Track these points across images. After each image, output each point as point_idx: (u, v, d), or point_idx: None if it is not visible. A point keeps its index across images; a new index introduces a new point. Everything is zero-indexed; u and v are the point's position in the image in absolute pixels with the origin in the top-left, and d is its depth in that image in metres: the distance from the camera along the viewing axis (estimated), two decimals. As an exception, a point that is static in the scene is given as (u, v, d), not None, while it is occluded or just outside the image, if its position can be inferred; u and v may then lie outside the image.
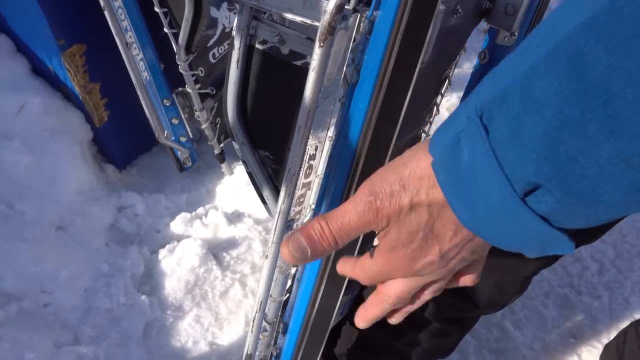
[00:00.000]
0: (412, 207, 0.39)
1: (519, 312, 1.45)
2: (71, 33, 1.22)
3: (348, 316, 1.09)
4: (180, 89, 1.33)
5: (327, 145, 0.62)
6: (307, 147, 0.58)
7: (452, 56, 0.90)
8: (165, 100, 1.34)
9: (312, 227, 0.43)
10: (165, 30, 1.19)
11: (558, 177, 0.31)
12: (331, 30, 0.49)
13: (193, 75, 1.23)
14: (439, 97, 0.96)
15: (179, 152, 1.46)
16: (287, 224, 0.64)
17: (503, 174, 0.33)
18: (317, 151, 0.61)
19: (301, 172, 0.59)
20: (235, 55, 0.73)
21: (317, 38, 0.50)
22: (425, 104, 0.96)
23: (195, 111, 1.32)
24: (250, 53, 0.73)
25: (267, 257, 0.67)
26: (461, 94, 1.07)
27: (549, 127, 0.30)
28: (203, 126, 1.35)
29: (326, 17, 0.49)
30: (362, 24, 0.52)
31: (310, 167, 0.61)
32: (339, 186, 0.59)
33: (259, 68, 0.74)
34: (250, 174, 0.87)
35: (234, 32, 0.73)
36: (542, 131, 0.31)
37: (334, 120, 0.60)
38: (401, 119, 0.58)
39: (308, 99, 0.53)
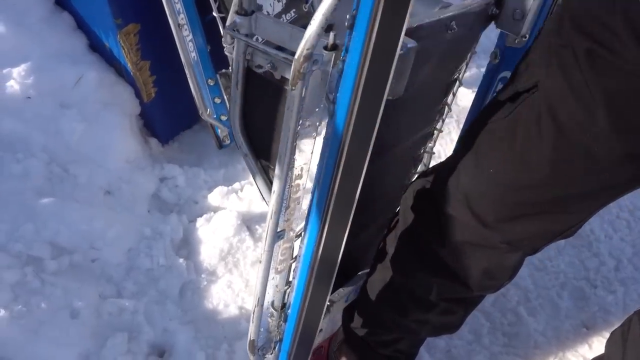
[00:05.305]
0: None
1: (534, 300, 1.50)
2: (128, 13, 1.32)
3: (361, 297, 1.16)
4: (223, 70, 1.41)
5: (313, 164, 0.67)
6: (294, 170, 0.63)
7: (459, 61, 0.95)
8: (209, 80, 1.43)
9: None
10: (214, 14, 1.27)
11: None
12: (301, 76, 0.53)
13: (237, 57, 1.31)
14: (450, 96, 1.01)
15: (218, 130, 1.55)
16: (278, 235, 0.70)
17: None
18: (302, 171, 0.66)
19: (288, 191, 0.65)
20: (235, 78, 0.78)
21: (290, 82, 0.54)
22: (433, 106, 1.01)
23: (237, 92, 1.40)
24: (250, 76, 0.77)
25: (260, 262, 0.74)
26: (475, 90, 1.14)
27: None
28: (243, 106, 1.43)
29: (295, 65, 0.52)
30: (337, 64, 0.55)
31: (297, 185, 0.67)
32: (321, 198, 0.65)
33: (256, 89, 0.79)
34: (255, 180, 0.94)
35: (234, 56, 0.76)
36: None
37: (319, 139, 0.64)
38: (372, 143, 0.62)
39: (286, 133, 0.58)
